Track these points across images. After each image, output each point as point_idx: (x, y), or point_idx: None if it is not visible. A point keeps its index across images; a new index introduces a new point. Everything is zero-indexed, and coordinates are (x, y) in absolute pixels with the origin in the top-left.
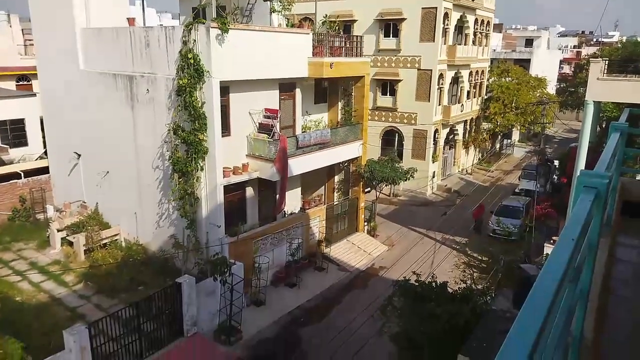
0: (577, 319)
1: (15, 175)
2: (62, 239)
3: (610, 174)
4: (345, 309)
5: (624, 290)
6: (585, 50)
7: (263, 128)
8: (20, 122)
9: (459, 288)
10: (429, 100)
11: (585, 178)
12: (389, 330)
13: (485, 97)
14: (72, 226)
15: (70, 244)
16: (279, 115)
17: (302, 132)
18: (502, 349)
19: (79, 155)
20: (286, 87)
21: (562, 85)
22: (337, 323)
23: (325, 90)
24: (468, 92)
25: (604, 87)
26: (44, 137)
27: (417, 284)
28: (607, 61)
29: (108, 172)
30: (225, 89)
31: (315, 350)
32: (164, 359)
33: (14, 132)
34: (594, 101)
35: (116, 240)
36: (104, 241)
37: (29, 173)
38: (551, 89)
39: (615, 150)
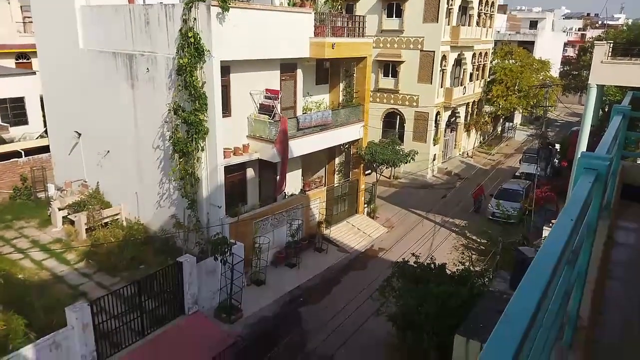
0: (574, 299)
1: (15, 154)
2: (63, 217)
3: (611, 157)
4: (344, 289)
5: (622, 273)
6: (590, 33)
7: (264, 109)
8: (20, 100)
9: (457, 270)
10: (431, 82)
11: (586, 160)
12: (386, 310)
13: (488, 79)
14: (73, 205)
15: (72, 222)
16: (279, 96)
17: (303, 113)
18: (498, 326)
19: (80, 134)
20: (287, 67)
21: (565, 69)
22: (336, 303)
23: (327, 71)
24: (471, 75)
25: (608, 71)
26: (44, 115)
27: (415, 265)
28: (611, 44)
29: (109, 151)
30: (226, 68)
31: (314, 329)
32: (165, 336)
33: (14, 111)
34: (597, 84)
35: (117, 219)
36: (105, 220)
37: (29, 152)
38: (555, 72)
39: (617, 133)
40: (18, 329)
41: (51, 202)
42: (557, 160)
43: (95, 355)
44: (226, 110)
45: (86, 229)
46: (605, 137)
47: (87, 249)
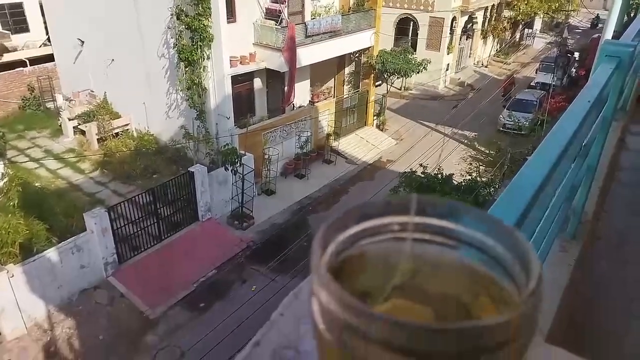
0: (581, 193)
1: (20, 64)
2: (74, 127)
3: (636, 45)
4: (352, 199)
5: (628, 177)
6: None
7: (270, 14)
8: (19, 6)
9: (464, 180)
10: None
11: (609, 46)
12: None
13: None
14: (82, 115)
15: (83, 132)
16: None
17: (312, 18)
18: (503, 194)
19: (82, 42)
20: None
21: None
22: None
23: None
24: None
25: None
26: (45, 22)
27: (422, 175)
28: None
29: (113, 60)
30: None
31: None
32: (181, 240)
33: (14, 17)
34: None
35: (127, 129)
36: (116, 131)
37: (34, 61)
38: None
39: None
40: (40, 233)
41: (60, 112)
42: (574, 69)
43: (116, 258)
44: (231, 15)
45: (97, 139)
46: (632, 25)
47: (101, 158)
